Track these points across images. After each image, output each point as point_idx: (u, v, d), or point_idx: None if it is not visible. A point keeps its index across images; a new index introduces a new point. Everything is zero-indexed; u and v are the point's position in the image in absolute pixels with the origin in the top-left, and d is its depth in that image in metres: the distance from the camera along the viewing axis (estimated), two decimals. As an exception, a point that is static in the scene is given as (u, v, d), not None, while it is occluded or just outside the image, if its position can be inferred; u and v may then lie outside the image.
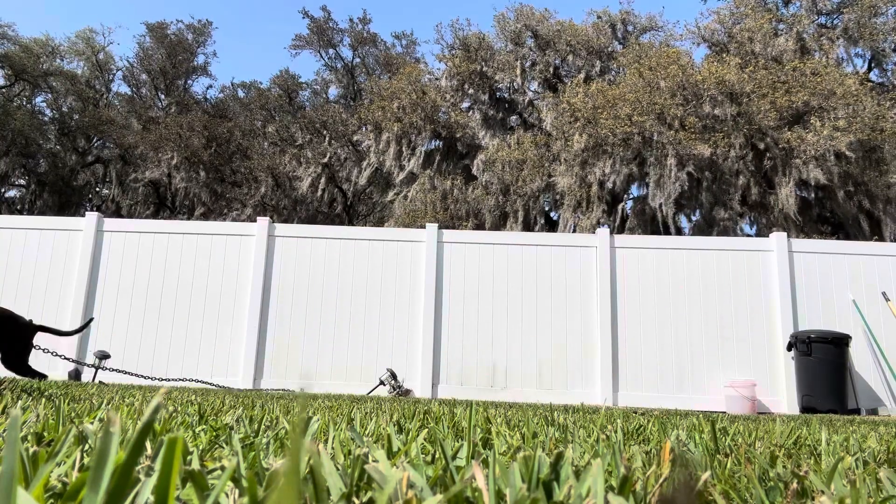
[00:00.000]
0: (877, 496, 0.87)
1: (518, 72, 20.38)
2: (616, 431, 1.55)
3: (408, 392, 8.39)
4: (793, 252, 8.61)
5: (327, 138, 23.46)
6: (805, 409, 7.80)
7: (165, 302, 8.69)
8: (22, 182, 25.33)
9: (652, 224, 16.38)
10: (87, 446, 0.95)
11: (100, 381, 7.27)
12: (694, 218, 16.91)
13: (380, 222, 22.29)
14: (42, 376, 5.78)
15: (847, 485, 0.84)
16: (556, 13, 26.32)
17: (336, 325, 8.63)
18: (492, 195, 18.13)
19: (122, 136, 23.88)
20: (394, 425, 1.60)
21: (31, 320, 5.93)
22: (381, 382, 8.23)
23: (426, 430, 1.46)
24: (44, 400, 2.22)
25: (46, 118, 25.58)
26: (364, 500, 0.69)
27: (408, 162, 19.77)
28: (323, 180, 23.04)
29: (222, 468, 0.82)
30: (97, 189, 26.67)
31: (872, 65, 19.14)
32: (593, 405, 7.05)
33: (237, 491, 0.68)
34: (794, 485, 0.82)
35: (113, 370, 7.71)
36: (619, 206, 17.02)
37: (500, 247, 8.89)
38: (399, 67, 23.61)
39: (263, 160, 23.42)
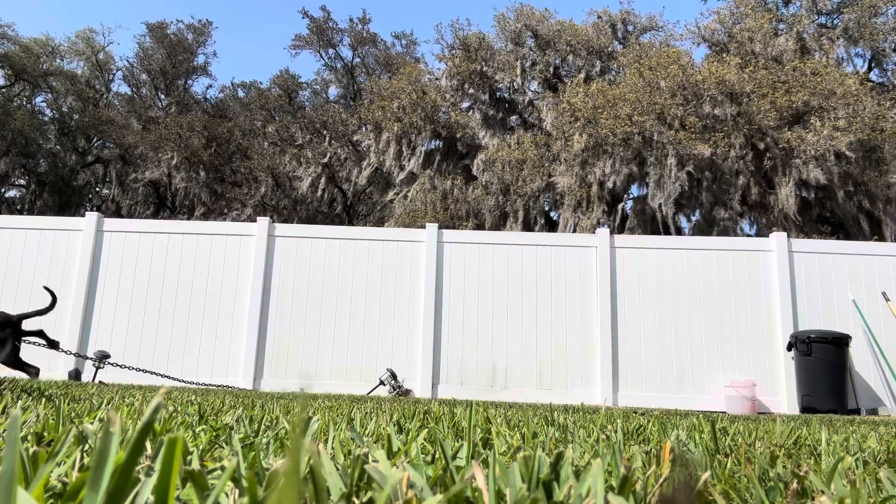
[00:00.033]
0: (877, 496, 0.87)
1: (518, 72, 20.39)
2: (616, 431, 1.55)
3: (408, 392, 8.39)
4: (793, 252, 8.62)
5: (327, 138, 23.46)
6: (805, 409, 7.80)
7: (165, 302, 8.69)
8: (22, 182, 25.34)
9: (652, 224, 16.38)
10: (87, 446, 0.95)
11: (100, 381, 7.27)
12: (694, 218, 16.91)
13: (380, 222, 22.29)
14: (35, 370, 5.78)
15: (847, 485, 0.84)
16: (557, 13, 26.32)
17: (336, 325, 8.63)
18: (492, 195, 18.13)
19: (122, 136, 23.88)
20: (394, 425, 1.60)
21: (16, 314, 5.91)
22: (381, 382, 8.23)
23: (426, 430, 1.46)
24: (44, 400, 2.22)
25: (46, 118, 25.58)
26: (364, 500, 0.69)
27: (408, 162, 19.77)
28: (323, 180, 23.04)
29: (222, 468, 0.82)
30: (97, 189, 26.67)
31: (872, 65, 19.14)
32: (593, 405, 7.05)
33: (237, 491, 0.68)
34: (794, 485, 0.82)
35: (118, 365, 7.71)
36: (619, 206, 17.02)
37: (500, 247, 8.89)
38: (399, 67, 23.61)
39: (263, 160, 23.42)
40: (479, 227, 17.73)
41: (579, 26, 20.76)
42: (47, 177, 24.07)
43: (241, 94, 28.47)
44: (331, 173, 23.17)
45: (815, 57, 17.99)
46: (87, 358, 7.41)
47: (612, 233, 8.98)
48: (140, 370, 8.10)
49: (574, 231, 16.54)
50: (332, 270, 8.82)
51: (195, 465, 0.81)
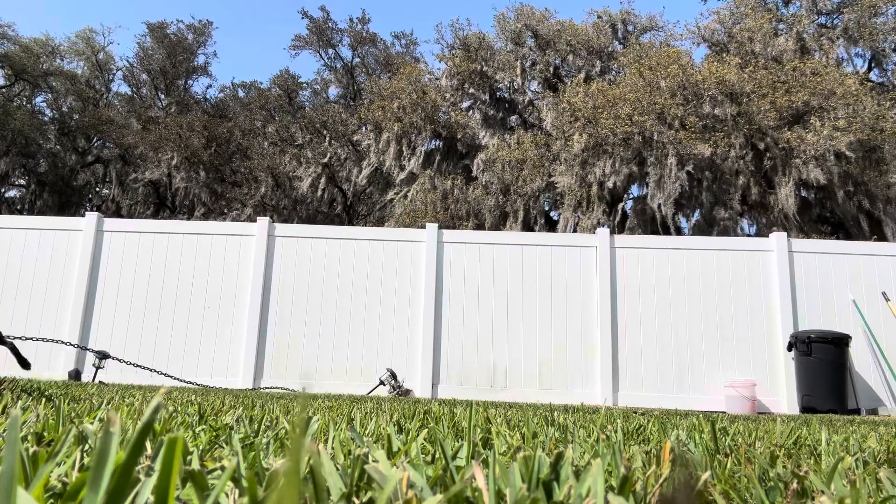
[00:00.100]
0: (877, 496, 0.87)
1: (518, 71, 20.39)
2: (616, 431, 1.55)
3: (408, 392, 8.39)
4: (793, 252, 8.62)
5: (327, 138, 23.46)
6: (805, 409, 7.80)
7: (165, 302, 8.69)
8: (22, 182, 25.34)
9: (652, 224, 16.39)
10: (87, 446, 0.95)
11: (100, 381, 7.27)
12: (694, 218, 16.91)
13: (380, 222, 22.29)
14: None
15: (847, 485, 0.84)
16: (557, 13, 26.32)
17: (336, 325, 8.63)
18: (492, 195, 18.13)
19: (121, 136, 23.88)
20: (394, 425, 1.60)
21: None
22: (381, 382, 8.23)
23: (426, 430, 1.46)
24: (44, 400, 2.22)
25: (46, 118, 25.58)
26: (364, 500, 0.69)
27: (408, 162, 19.76)
28: (323, 180, 23.03)
29: (222, 468, 0.82)
30: (97, 189, 26.67)
31: (872, 65, 19.13)
32: (593, 405, 7.05)
33: (237, 491, 0.68)
34: (794, 485, 0.82)
35: (121, 360, 7.71)
36: (619, 206, 17.02)
37: (500, 247, 8.89)
38: (399, 67, 23.61)
39: (263, 160, 23.42)
40: (479, 227, 17.73)
41: (579, 26, 20.76)
42: (47, 177, 24.08)
43: (241, 94, 28.47)
44: (331, 173, 23.17)
45: (815, 57, 17.99)
46: (87, 349, 7.40)
47: (612, 233, 8.98)
48: (140, 366, 8.10)
49: (574, 231, 16.54)
50: (332, 270, 8.82)
51: (195, 465, 0.81)
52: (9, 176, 24.09)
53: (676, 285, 8.63)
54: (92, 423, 1.33)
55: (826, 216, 17.03)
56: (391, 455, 0.99)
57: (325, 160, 23.00)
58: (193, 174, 23.08)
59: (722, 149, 15.48)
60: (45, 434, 1.14)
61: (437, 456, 0.99)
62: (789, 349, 8.14)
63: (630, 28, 21.58)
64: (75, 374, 8.09)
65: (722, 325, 8.48)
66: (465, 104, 21.08)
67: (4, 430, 1.16)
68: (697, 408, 7.98)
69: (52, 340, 7.23)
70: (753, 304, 8.52)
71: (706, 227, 16.01)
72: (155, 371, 8.24)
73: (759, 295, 8.54)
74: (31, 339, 7.13)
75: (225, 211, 23.02)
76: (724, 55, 17.91)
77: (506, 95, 21.14)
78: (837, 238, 15.68)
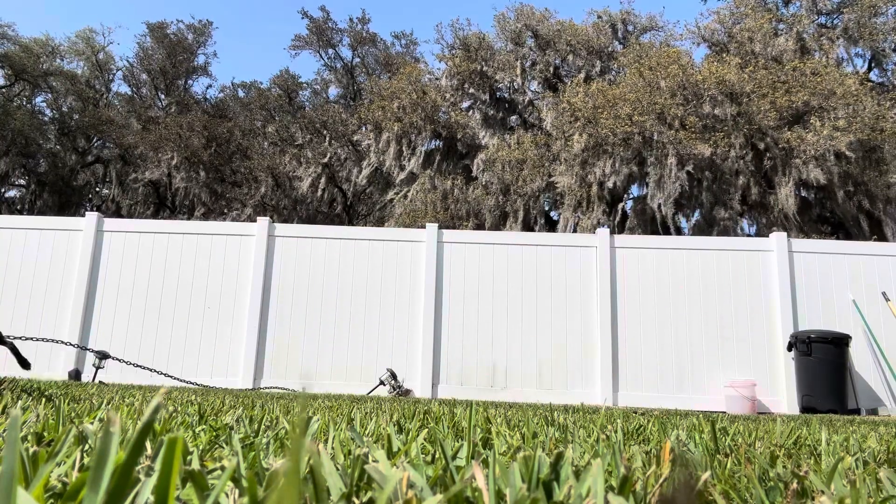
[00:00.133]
0: (877, 496, 0.87)
1: (518, 71, 20.38)
2: (616, 431, 1.55)
3: (408, 392, 8.39)
4: (793, 252, 8.62)
5: (327, 138, 23.46)
6: (805, 409, 7.80)
7: (165, 302, 8.69)
8: (22, 182, 25.34)
9: (652, 224, 16.39)
10: (87, 446, 0.95)
11: (100, 382, 7.27)
12: (694, 218, 16.91)
13: (380, 222, 22.29)
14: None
15: (847, 485, 0.84)
16: (557, 13, 26.32)
17: (336, 325, 8.63)
18: (492, 195, 18.13)
19: (121, 136, 23.88)
20: (394, 425, 1.60)
21: None
22: (381, 382, 8.23)
23: (426, 430, 1.46)
24: (44, 400, 2.22)
25: (46, 118, 25.58)
26: (364, 500, 0.69)
27: (408, 162, 19.76)
28: (323, 180, 23.03)
29: (222, 468, 0.82)
30: (97, 189, 26.67)
31: (872, 65, 19.13)
32: (593, 405, 7.06)
33: (237, 491, 0.68)
34: (794, 485, 0.82)
35: (121, 361, 7.71)
36: (620, 206, 17.02)
37: (500, 247, 8.89)
38: (399, 67, 23.61)
39: (263, 160, 23.42)
40: (479, 227, 17.73)
41: (579, 26, 20.76)
42: (47, 177, 24.08)
43: (241, 94, 28.47)
44: (331, 173, 23.17)
45: (815, 57, 17.99)
46: (86, 349, 7.40)
47: (612, 233, 8.98)
48: (140, 367, 8.10)
49: (574, 231, 16.54)
50: (332, 270, 8.82)
51: (195, 465, 0.81)
52: (9, 176, 24.09)
53: (676, 285, 8.63)
54: (92, 423, 1.33)
55: (826, 216, 17.03)
56: (391, 455, 0.99)
57: (325, 160, 23.00)
58: (193, 174, 23.08)
59: (722, 149, 15.49)
60: (45, 434, 1.14)
61: (437, 456, 0.99)
62: (789, 349, 8.14)
63: (630, 28, 21.58)
64: (75, 374, 8.09)
65: (722, 325, 8.48)
66: (465, 104, 21.08)
67: (4, 430, 1.16)
68: (697, 408, 7.98)
69: (53, 340, 7.23)
70: (753, 304, 8.52)
71: (706, 227, 16.02)
72: (155, 371, 8.24)
73: (759, 295, 8.54)
74: (32, 339, 7.13)
75: (225, 211, 23.02)
76: (724, 55, 17.91)
77: (506, 95, 21.14)
78: (837, 238, 15.68)
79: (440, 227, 9.14)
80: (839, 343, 7.80)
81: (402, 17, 52.61)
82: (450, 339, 8.57)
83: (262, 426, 1.50)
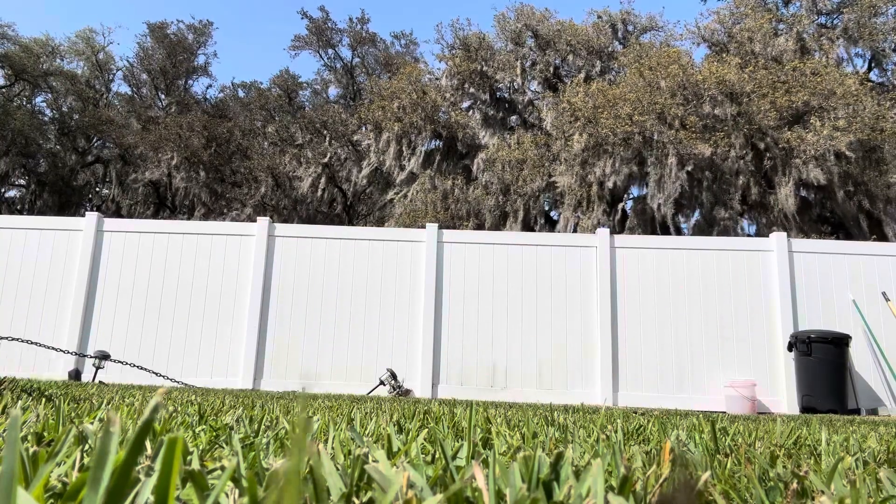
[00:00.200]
0: (877, 496, 0.87)
1: (518, 71, 20.38)
2: (616, 431, 1.55)
3: (408, 392, 8.39)
4: (793, 252, 8.62)
5: (327, 138, 23.46)
6: (805, 409, 7.80)
7: (165, 302, 8.69)
8: (22, 182, 25.33)
9: (652, 224, 16.39)
10: (87, 446, 0.95)
11: (100, 382, 7.27)
12: (694, 218, 16.91)
13: (380, 222, 22.28)
14: None
15: (847, 485, 0.84)
16: (557, 13, 26.32)
17: (336, 325, 8.63)
18: (492, 195, 18.13)
19: (121, 136, 23.88)
20: (394, 425, 1.60)
21: None
22: (381, 382, 8.23)
23: (426, 430, 1.46)
24: (44, 400, 2.22)
25: (46, 118, 25.58)
26: (364, 500, 0.69)
27: (408, 162, 19.76)
28: (323, 180, 23.03)
29: (222, 468, 0.82)
30: (97, 189, 26.66)
31: (872, 65, 19.13)
32: (593, 405, 7.05)
33: (237, 491, 0.68)
34: (794, 485, 0.82)
35: (121, 362, 7.71)
36: (620, 206, 17.02)
37: (500, 247, 8.89)
38: (399, 67, 23.61)
39: (263, 160, 23.42)
40: (480, 227, 17.73)
41: (579, 26, 20.76)
42: (47, 177, 24.07)
43: (241, 94, 28.47)
44: (331, 173, 23.17)
45: (815, 57, 17.99)
46: (84, 355, 7.40)
47: (612, 233, 8.98)
48: (140, 367, 8.10)
49: (574, 231, 16.54)
50: (332, 270, 8.81)
51: (195, 465, 0.81)
52: (9, 176, 24.09)
53: (676, 285, 8.63)
54: (92, 423, 1.33)
55: (826, 216, 17.03)
56: (391, 455, 0.99)
57: (325, 160, 23.00)
58: (193, 174, 23.08)
59: (722, 149, 15.48)
60: (45, 434, 1.14)
61: (437, 456, 0.99)
62: (789, 349, 8.14)
63: (630, 28, 21.58)
64: (75, 375, 8.09)
65: (722, 325, 8.48)
66: (465, 104, 21.08)
67: (4, 430, 1.16)
68: (697, 408, 7.98)
69: (51, 348, 7.18)
70: (753, 304, 8.52)
71: (706, 227, 16.01)
72: (154, 373, 8.24)
73: (759, 295, 8.54)
74: (27, 341, 7.12)
75: (225, 211, 23.02)
76: (724, 55, 17.91)
77: (506, 95, 21.14)
78: (837, 238, 15.67)
79: (440, 227, 9.14)
80: (839, 343, 7.80)
81: (402, 17, 52.60)
82: (450, 339, 8.57)
83: (262, 426, 1.50)
